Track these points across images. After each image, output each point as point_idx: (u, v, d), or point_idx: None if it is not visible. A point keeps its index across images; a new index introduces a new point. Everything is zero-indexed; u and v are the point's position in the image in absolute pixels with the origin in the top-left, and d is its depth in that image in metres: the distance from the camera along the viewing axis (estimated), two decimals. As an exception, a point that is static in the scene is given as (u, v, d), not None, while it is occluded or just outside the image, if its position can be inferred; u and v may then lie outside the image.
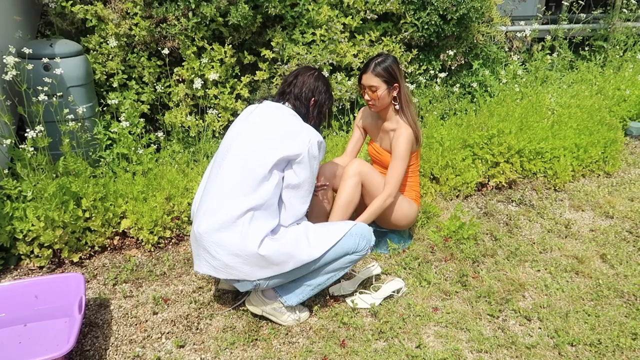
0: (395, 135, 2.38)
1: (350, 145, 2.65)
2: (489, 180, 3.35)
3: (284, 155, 1.92)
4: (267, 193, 1.90)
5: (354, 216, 2.38)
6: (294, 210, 2.00)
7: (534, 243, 2.75)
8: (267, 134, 1.97)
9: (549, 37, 4.42)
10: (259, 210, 1.90)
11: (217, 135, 3.56)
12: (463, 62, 4.11)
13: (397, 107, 2.40)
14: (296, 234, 1.96)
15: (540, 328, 2.12)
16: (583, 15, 4.90)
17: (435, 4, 3.62)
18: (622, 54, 5.19)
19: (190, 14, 3.21)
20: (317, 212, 2.49)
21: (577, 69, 5.00)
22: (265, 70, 3.54)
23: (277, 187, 1.94)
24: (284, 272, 1.93)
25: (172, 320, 2.12)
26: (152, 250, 2.60)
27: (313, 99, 2.10)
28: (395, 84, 2.34)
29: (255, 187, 1.90)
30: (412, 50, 3.80)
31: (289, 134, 1.97)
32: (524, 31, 4.20)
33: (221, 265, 1.91)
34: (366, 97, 2.37)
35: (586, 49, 5.18)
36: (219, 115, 3.51)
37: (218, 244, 1.89)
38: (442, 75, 3.74)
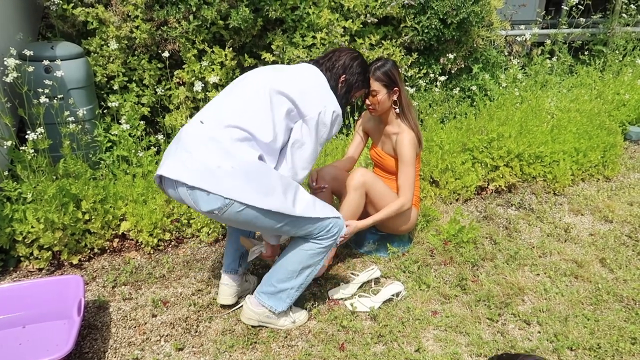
0: (399, 140, 2.38)
1: (350, 149, 2.65)
2: (488, 184, 3.35)
3: (297, 104, 1.85)
4: (275, 133, 1.81)
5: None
6: (293, 168, 1.90)
7: (534, 247, 2.75)
8: (292, 80, 1.90)
9: (548, 42, 4.43)
10: (264, 148, 1.82)
11: (217, 137, 3.56)
12: (463, 65, 4.12)
13: (398, 110, 2.41)
14: (289, 183, 1.87)
15: (539, 332, 2.12)
16: (583, 20, 4.92)
17: (436, 8, 3.63)
18: (621, 59, 5.20)
19: (191, 16, 3.22)
20: None
21: (576, 73, 5.01)
22: (265, 73, 3.54)
23: (285, 133, 1.86)
24: (258, 206, 1.75)
25: (171, 323, 2.12)
26: (152, 252, 2.60)
27: (344, 76, 2.03)
28: (395, 88, 2.34)
29: (266, 120, 1.81)
30: (412, 54, 3.81)
31: (310, 90, 1.90)
32: (524, 35, 4.21)
33: (199, 168, 1.72)
34: (367, 101, 2.37)
35: (586, 53, 5.19)
36: (219, 118, 3.51)
37: (217, 139, 1.74)
38: (442, 78, 3.75)
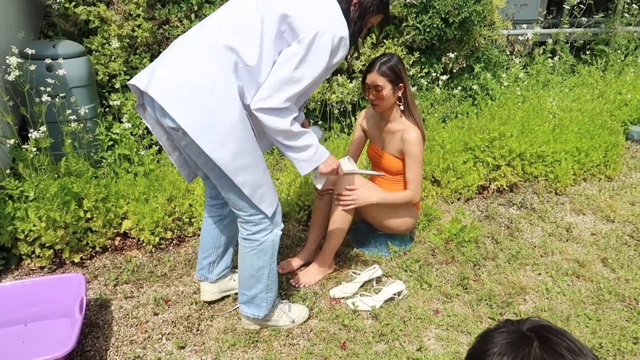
0: (406, 138, 2.34)
1: (352, 148, 2.64)
2: (490, 183, 3.35)
3: (292, 22, 1.66)
4: (260, 55, 1.66)
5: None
6: (267, 87, 1.68)
7: (535, 246, 2.75)
8: None
9: (550, 41, 4.43)
10: (244, 75, 1.68)
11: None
12: (464, 65, 4.11)
13: (402, 107, 2.37)
14: (248, 138, 1.71)
15: (541, 331, 2.11)
16: (584, 19, 4.91)
17: (438, 7, 3.62)
18: (623, 58, 5.19)
19: (192, 15, 3.22)
20: (321, 217, 2.48)
21: (578, 72, 5.00)
22: (267, 72, 3.54)
23: (272, 59, 1.69)
24: (196, 139, 1.63)
25: (172, 321, 2.12)
26: (153, 251, 2.60)
27: None
28: (401, 84, 2.29)
29: (254, 40, 1.66)
30: (414, 53, 3.81)
31: (310, 9, 1.70)
32: (526, 35, 4.21)
33: (177, 83, 1.64)
34: (370, 97, 2.33)
35: (587, 52, 5.19)
36: (221, 116, 3.51)
37: (199, 50, 1.66)
38: (444, 78, 3.75)
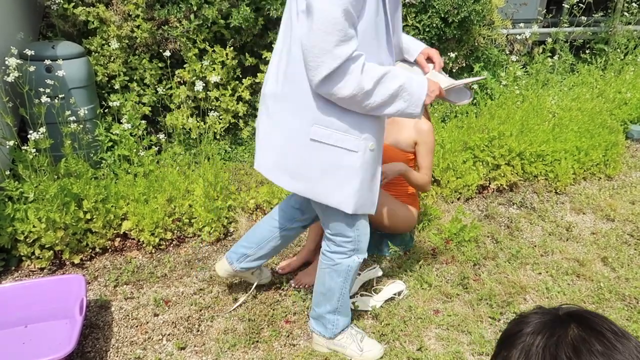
0: (420, 128, 2.38)
1: None
2: (490, 183, 3.35)
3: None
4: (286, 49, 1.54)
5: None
6: (310, 47, 1.43)
7: (535, 246, 2.75)
8: None
9: (549, 40, 4.43)
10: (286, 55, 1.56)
11: (218, 137, 3.57)
12: (464, 64, 4.11)
13: None
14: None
15: (541, 331, 2.11)
16: (584, 18, 4.91)
17: (437, 6, 3.62)
18: (623, 57, 5.19)
19: (192, 16, 3.22)
20: None
21: (578, 71, 5.00)
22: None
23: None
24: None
25: (173, 322, 2.12)
26: (153, 251, 2.60)
27: None
28: None
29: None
30: (413, 52, 3.80)
31: None
32: (525, 34, 4.20)
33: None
34: None
35: (587, 52, 5.18)
36: (220, 117, 3.51)
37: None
38: (443, 77, 3.74)
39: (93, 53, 3.25)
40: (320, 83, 1.46)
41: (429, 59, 1.77)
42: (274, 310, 2.19)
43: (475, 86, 4.07)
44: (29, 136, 2.38)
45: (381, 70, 1.49)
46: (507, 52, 4.64)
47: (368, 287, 2.35)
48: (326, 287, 1.87)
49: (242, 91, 3.53)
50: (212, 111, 3.29)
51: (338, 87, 1.45)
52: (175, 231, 2.68)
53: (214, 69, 3.39)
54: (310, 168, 1.60)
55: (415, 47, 1.78)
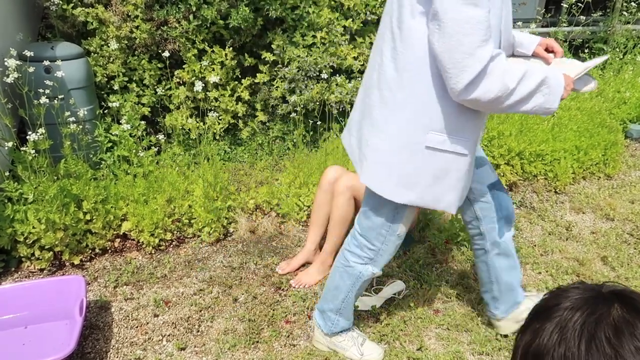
0: None
1: None
2: (489, 183, 3.34)
3: None
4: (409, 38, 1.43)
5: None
6: (450, 58, 1.34)
7: (535, 245, 2.75)
8: None
9: (549, 40, 4.42)
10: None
11: (217, 137, 3.57)
12: (463, 64, 4.11)
13: None
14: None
15: (541, 330, 2.11)
16: (583, 18, 4.91)
17: (436, 6, 3.62)
18: (622, 57, 5.19)
19: (191, 16, 3.22)
20: (320, 217, 2.48)
21: (577, 71, 4.99)
22: (265, 73, 3.54)
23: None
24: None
25: (173, 323, 2.12)
26: (153, 252, 2.60)
27: None
28: None
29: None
30: (413, 52, 3.80)
31: None
32: (524, 34, 4.20)
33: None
34: None
35: (586, 51, 5.19)
36: (220, 117, 3.51)
37: None
38: (443, 77, 3.74)
39: (92, 54, 3.25)
40: (464, 90, 1.36)
41: (548, 50, 1.71)
42: (274, 310, 2.19)
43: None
44: (28, 137, 2.38)
45: (522, 66, 1.42)
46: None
47: (368, 287, 2.35)
48: (334, 285, 1.86)
49: (242, 91, 3.53)
50: (212, 111, 3.30)
51: (484, 90, 1.36)
52: (175, 232, 2.68)
53: (213, 70, 3.39)
54: (423, 176, 1.56)
55: (530, 39, 1.72)
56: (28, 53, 2.50)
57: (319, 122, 3.58)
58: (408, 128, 1.51)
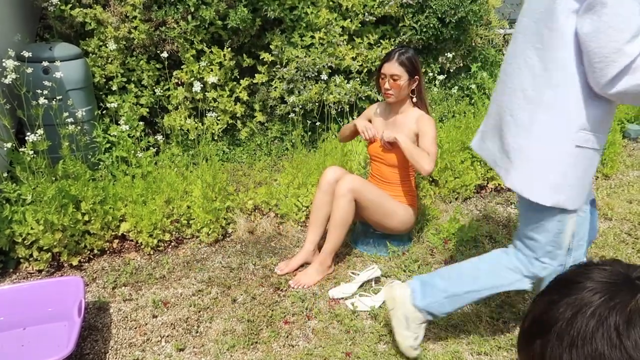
0: (421, 120, 2.38)
1: (346, 129, 2.62)
2: (487, 183, 3.35)
3: None
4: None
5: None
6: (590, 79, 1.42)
7: (533, 245, 2.75)
8: None
9: (546, 40, 4.43)
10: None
11: (216, 138, 3.57)
12: (461, 64, 4.12)
13: (415, 99, 2.44)
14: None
15: (540, 330, 2.11)
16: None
17: (434, 7, 3.63)
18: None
19: (189, 17, 3.22)
20: (320, 218, 2.48)
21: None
22: (264, 74, 3.54)
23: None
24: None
25: (171, 324, 2.12)
26: (152, 253, 2.59)
27: None
28: (416, 76, 2.38)
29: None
30: (411, 53, 3.81)
31: None
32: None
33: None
34: (386, 85, 2.37)
35: (584, 51, 5.19)
36: (218, 118, 3.51)
37: None
38: (441, 77, 3.75)
39: (90, 54, 3.24)
40: (608, 83, 1.38)
41: None
42: (272, 311, 2.19)
43: (473, 86, 4.08)
44: (26, 138, 2.38)
45: None
46: (504, 52, 4.65)
47: (367, 288, 2.35)
48: (481, 278, 1.76)
49: (240, 92, 3.53)
50: (210, 112, 3.29)
51: (630, 84, 1.37)
52: (174, 232, 2.67)
53: (212, 70, 3.39)
54: (571, 177, 1.53)
55: None
56: (26, 54, 2.50)
57: (317, 123, 3.58)
58: (557, 127, 1.51)
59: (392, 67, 2.33)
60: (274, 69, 3.54)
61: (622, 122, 4.38)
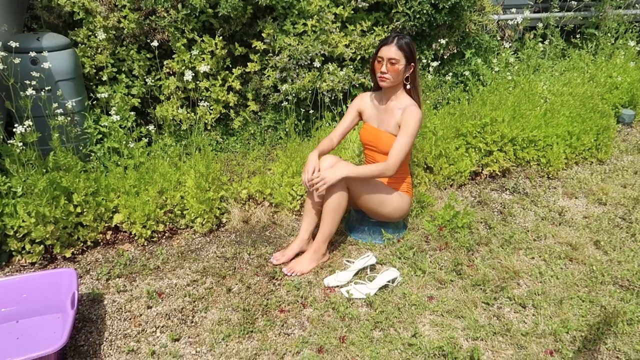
0: (407, 111, 2.35)
1: (339, 129, 2.57)
2: (482, 169, 3.35)
3: None
4: None
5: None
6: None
7: (528, 231, 2.75)
8: None
9: (540, 25, 4.41)
10: None
11: (209, 128, 3.54)
12: (455, 51, 4.09)
13: (409, 86, 2.42)
14: None
15: (535, 315, 2.12)
16: (574, 3, 4.89)
17: (427, -8, 3.59)
18: (613, 42, 5.19)
19: (179, 5, 3.17)
20: (314, 206, 2.47)
21: (569, 56, 4.99)
22: (256, 62, 3.50)
23: None
24: None
25: (166, 314, 2.11)
26: (145, 244, 2.58)
27: None
28: (412, 63, 2.37)
29: None
30: (404, 39, 3.77)
31: None
32: (516, 19, 4.18)
33: None
34: (382, 68, 2.34)
35: (578, 36, 5.17)
36: (211, 107, 3.48)
37: None
38: (435, 64, 3.72)
39: (79, 45, 3.20)
40: None
41: None
42: (268, 300, 2.19)
43: (467, 72, 4.05)
44: (15, 130, 2.35)
45: None
46: (498, 38, 4.62)
47: (362, 275, 2.35)
48: None
49: (233, 81, 3.50)
50: (202, 102, 3.26)
51: None
52: (168, 223, 2.66)
53: (203, 59, 3.35)
54: None
55: None
56: (13, 44, 2.46)
57: (311, 111, 3.56)
58: None
59: (391, 51, 2.31)
60: (266, 58, 3.50)
61: (617, 107, 4.38)
